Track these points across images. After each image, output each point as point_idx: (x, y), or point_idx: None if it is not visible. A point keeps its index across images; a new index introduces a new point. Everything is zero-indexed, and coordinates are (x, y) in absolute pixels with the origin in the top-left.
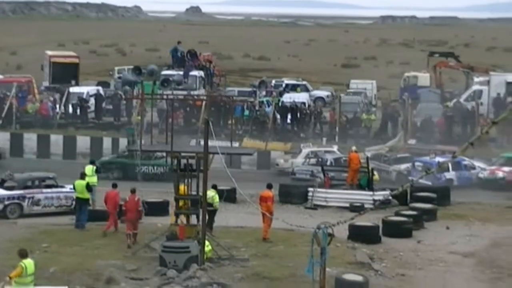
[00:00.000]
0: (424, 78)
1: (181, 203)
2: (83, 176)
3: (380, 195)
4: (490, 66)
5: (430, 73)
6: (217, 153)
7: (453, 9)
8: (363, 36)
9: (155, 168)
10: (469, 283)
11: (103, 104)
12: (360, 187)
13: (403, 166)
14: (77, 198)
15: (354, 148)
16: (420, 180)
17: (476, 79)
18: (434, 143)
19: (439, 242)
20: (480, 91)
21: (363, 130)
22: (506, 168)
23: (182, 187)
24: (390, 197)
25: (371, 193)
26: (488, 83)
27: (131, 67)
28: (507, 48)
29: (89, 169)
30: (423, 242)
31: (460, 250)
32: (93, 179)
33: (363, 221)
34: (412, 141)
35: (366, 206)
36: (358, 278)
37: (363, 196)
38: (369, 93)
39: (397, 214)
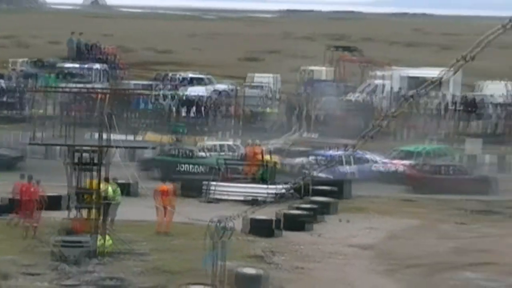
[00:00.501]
0: (326, 72)
1: (86, 196)
2: None
3: (280, 188)
4: (391, 60)
5: (334, 67)
6: (114, 147)
7: (356, 3)
8: (267, 30)
9: (197, 166)
10: (367, 275)
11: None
12: (261, 180)
13: (304, 160)
14: None
15: (253, 141)
16: (323, 174)
17: (376, 74)
18: (334, 136)
19: (338, 235)
20: (381, 85)
21: (266, 124)
22: (403, 162)
23: (89, 181)
24: (291, 191)
25: (271, 186)
26: (388, 77)
27: (27, 59)
28: (408, 43)
29: None
30: (323, 235)
31: (359, 243)
32: None
33: (263, 214)
34: (313, 135)
35: (266, 199)
36: (257, 271)
37: (263, 190)
38: (272, 87)
39: (297, 207)
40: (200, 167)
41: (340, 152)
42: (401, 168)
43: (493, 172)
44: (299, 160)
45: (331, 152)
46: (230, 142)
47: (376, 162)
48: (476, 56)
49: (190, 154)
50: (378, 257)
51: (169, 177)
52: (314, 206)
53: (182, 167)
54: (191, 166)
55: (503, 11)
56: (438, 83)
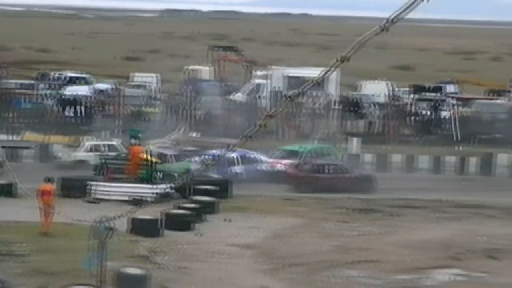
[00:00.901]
0: (205, 71)
1: None
2: None
3: (162, 188)
4: (270, 60)
5: (215, 67)
6: None
7: (235, 3)
8: (147, 29)
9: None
10: (250, 274)
11: None
12: (143, 180)
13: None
14: None
15: (134, 141)
16: (212, 174)
17: (257, 73)
18: (217, 136)
19: (220, 235)
20: (261, 85)
21: (146, 123)
22: (285, 161)
23: None
24: (172, 190)
25: (152, 186)
26: (268, 76)
27: None
28: (287, 43)
29: None
30: (205, 235)
31: (241, 242)
32: None
33: (145, 214)
34: (194, 134)
35: (147, 199)
36: (139, 271)
37: (144, 190)
38: (152, 86)
39: (178, 207)
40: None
41: (223, 152)
42: (283, 168)
43: (373, 171)
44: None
45: (217, 152)
46: (114, 142)
47: (262, 162)
48: (353, 57)
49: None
50: (261, 256)
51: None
52: (197, 205)
53: None
54: None
55: (381, 12)
56: (316, 83)
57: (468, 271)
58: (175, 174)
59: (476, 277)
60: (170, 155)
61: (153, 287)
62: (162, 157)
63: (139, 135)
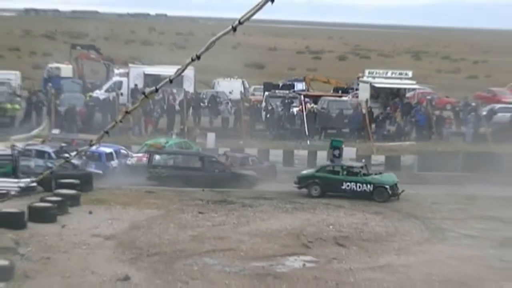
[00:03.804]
0: (66, 69)
1: None
2: None
3: (24, 182)
4: (129, 58)
5: (73, 64)
6: None
7: (95, 3)
8: (6, 28)
9: (363, 185)
10: (110, 263)
11: None
12: (5, 174)
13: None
14: None
15: None
16: (91, 169)
17: (116, 71)
18: (76, 132)
19: (82, 226)
20: (120, 82)
21: (8, 119)
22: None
23: None
24: (34, 184)
25: (15, 180)
26: (127, 74)
27: None
28: (144, 41)
29: None
30: (67, 227)
31: (102, 233)
32: None
33: (8, 207)
34: (55, 131)
35: (11, 193)
36: (3, 262)
37: (7, 184)
38: (13, 83)
39: (42, 200)
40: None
41: (96, 148)
42: (144, 161)
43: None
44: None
45: (95, 148)
46: None
47: (130, 156)
48: (210, 56)
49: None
50: (121, 246)
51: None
52: (60, 198)
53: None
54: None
55: (236, 13)
56: (170, 81)
57: (318, 258)
58: (386, 187)
59: (326, 263)
60: (50, 152)
61: (16, 278)
62: (42, 154)
63: (340, 145)
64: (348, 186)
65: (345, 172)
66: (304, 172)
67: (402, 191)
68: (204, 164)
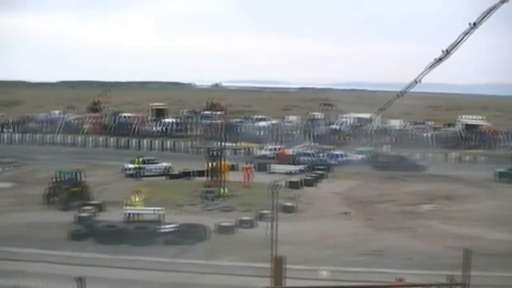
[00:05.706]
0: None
1: None
2: None
3: (299, 167)
4: None
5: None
6: None
7: None
8: None
9: None
10: (339, 206)
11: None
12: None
13: None
14: None
15: None
16: (331, 161)
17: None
18: (322, 144)
19: (326, 188)
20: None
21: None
22: None
23: None
24: (302, 168)
25: (297, 166)
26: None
27: (187, 110)
28: None
29: None
30: (319, 188)
31: (335, 191)
32: None
33: (294, 179)
34: (315, 144)
35: (294, 171)
36: (291, 204)
37: (293, 168)
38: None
39: (307, 175)
40: None
41: None
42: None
43: None
44: None
45: None
46: None
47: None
48: None
49: None
50: (344, 198)
51: None
52: (316, 175)
53: None
54: None
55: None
56: None
57: None
58: None
59: None
60: (312, 153)
61: (296, 210)
62: (308, 154)
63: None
64: None
65: None
66: None
67: None
68: None
